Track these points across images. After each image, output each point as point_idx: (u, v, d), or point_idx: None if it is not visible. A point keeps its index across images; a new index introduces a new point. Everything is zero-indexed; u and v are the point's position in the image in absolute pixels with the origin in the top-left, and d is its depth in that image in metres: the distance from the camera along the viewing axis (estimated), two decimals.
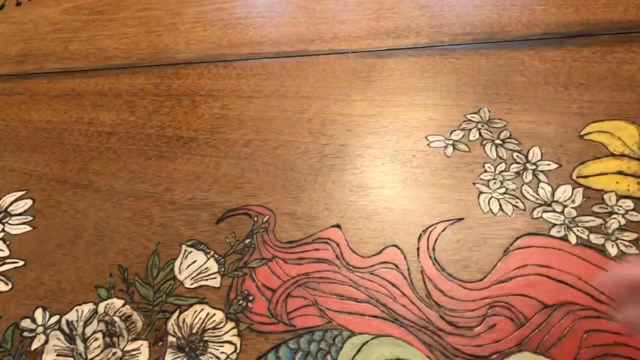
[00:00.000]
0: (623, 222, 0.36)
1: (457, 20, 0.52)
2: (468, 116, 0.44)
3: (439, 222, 0.38)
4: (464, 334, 0.33)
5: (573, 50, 0.48)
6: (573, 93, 0.44)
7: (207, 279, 0.38)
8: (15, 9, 0.62)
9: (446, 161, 0.42)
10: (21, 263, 0.42)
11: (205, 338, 0.36)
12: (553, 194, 0.38)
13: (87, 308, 0.39)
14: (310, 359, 0.34)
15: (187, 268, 0.39)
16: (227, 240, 0.40)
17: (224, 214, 0.41)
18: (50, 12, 0.60)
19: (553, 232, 0.37)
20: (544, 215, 0.37)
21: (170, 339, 0.36)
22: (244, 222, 0.41)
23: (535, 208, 0.38)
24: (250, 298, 0.37)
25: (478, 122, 0.44)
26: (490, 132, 0.43)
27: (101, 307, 0.38)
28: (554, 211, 0.38)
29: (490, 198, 0.39)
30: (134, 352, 0.36)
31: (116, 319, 0.38)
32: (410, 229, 0.38)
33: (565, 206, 0.38)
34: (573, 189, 0.38)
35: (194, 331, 0.36)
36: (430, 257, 0.37)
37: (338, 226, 0.39)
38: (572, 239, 0.36)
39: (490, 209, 0.38)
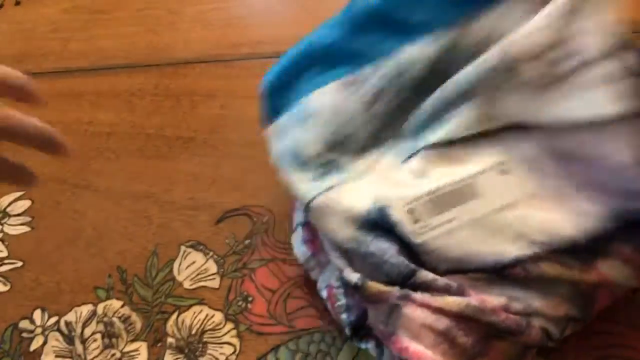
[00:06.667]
0: None
1: None
2: None
3: None
4: None
5: None
6: None
7: (206, 280, 0.38)
8: (14, 9, 0.62)
9: None
10: (20, 264, 0.42)
11: (205, 339, 0.36)
12: None
13: (85, 309, 0.38)
14: None
15: (186, 269, 0.39)
16: (227, 241, 0.40)
17: (224, 214, 0.41)
18: (49, 12, 0.59)
19: None
20: None
21: (169, 340, 0.36)
22: (243, 222, 0.41)
23: None
24: (250, 299, 0.37)
25: None
26: None
27: (100, 308, 0.38)
28: None
29: None
30: (132, 353, 0.36)
31: (115, 320, 0.38)
32: None
33: None
34: None
35: (193, 332, 0.36)
36: None
37: None
38: None
39: None
